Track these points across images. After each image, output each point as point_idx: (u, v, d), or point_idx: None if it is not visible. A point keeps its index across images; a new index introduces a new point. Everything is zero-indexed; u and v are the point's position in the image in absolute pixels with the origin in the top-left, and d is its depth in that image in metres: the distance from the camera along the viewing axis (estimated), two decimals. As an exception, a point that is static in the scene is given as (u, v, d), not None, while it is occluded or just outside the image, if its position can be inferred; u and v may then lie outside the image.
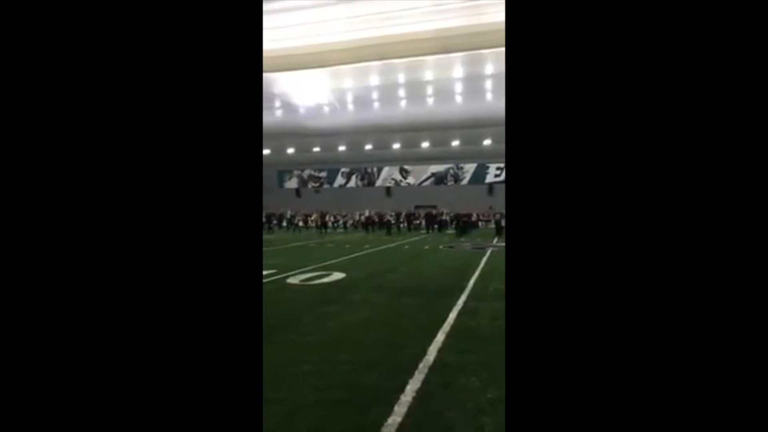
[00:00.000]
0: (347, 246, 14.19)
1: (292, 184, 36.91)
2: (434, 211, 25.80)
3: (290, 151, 30.21)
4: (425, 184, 34.23)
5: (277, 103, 22.60)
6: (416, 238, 17.89)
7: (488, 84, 19.93)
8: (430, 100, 22.46)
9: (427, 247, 13.83)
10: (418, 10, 14.15)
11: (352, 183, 35.81)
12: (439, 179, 33.94)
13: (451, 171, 33.59)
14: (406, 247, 13.97)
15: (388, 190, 34.64)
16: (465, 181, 33.44)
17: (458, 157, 31.25)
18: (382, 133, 25.29)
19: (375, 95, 22.09)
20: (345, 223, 28.25)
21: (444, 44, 14.93)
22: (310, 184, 36.51)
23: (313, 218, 26.91)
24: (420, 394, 2.60)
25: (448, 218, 24.26)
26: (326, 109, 23.30)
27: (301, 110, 23.38)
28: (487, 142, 26.71)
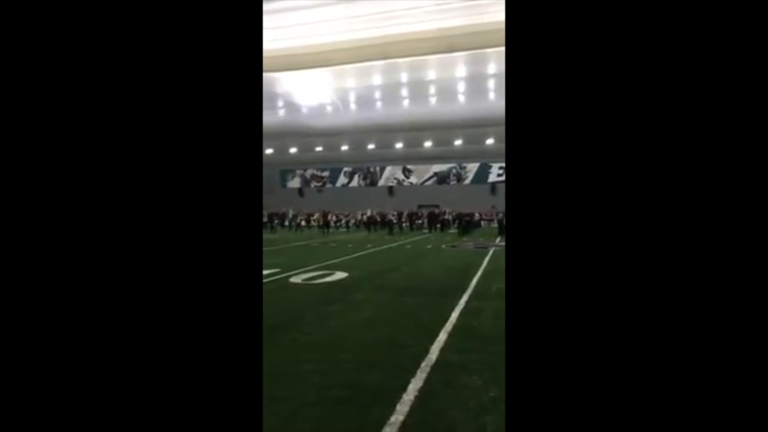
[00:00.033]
0: (350, 245, 14.20)
1: (294, 183, 36.97)
2: (437, 211, 25.79)
3: (293, 150, 30.27)
4: (428, 183, 34.23)
5: (280, 103, 22.65)
6: (418, 238, 17.88)
7: (491, 83, 19.91)
8: (433, 100, 22.46)
9: (429, 246, 13.83)
10: (420, 10, 14.15)
11: (355, 182, 35.84)
12: (442, 179, 33.94)
13: (454, 170, 33.58)
14: (409, 246, 13.96)
15: (390, 190, 34.64)
16: (468, 181, 33.43)
17: (461, 157, 31.24)
18: (385, 132, 25.32)
19: (378, 95, 22.11)
20: (347, 222, 28.28)
21: (446, 43, 14.92)
22: (313, 184, 36.56)
23: (315, 218, 26.95)
24: (422, 393, 2.60)
25: (450, 218, 24.25)
26: (329, 108, 23.34)
27: (304, 110, 23.43)
28: (489, 141, 26.68)
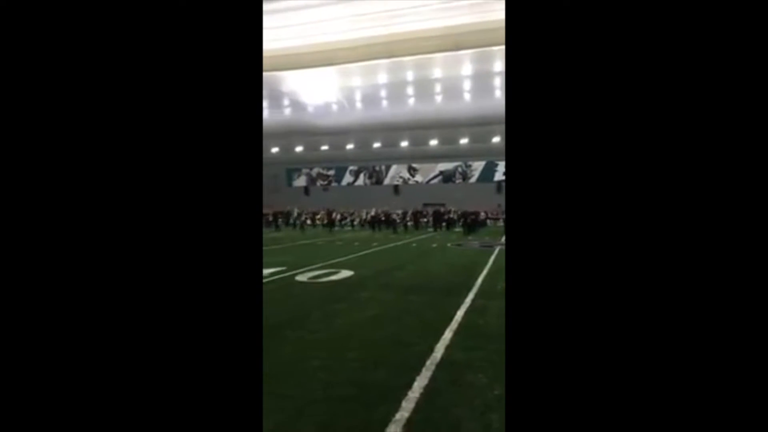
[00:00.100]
0: (355, 244, 14.21)
1: (300, 182, 37.01)
2: (442, 209, 25.75)
3: (299, 149, 30.30)
4: (433, 182, 34.13)
5: (286, 102, 22.69)
6: (424, 236, 17.87)
7: (497, 81, 19.82)
8: (439, 98, 22.40)
9: (434, 245, 13.82)
10: (426, 8, 14.11)
11: (360, 181, 35.83)
12: (448, 177, 33.83)
13: (460, 169, 33.45)
14: (414, 245, 13.96)
15: (396, 189, 34.59)
16: (473, 179, 33.28)
17: (467, 155, 31.13)
18: (391, 131, 25.29)
19: (383, 93, 22.09)
20: (352, 221, 28.30)
21: (452, 41, 14.87)
22: (319, 183, 36.57)
23: (319, 216, 26.98)
24: (427, 390, 2.61)
25: (455, 216, 24.21)
26: (334, 107, 23.34)
27: (310, 109, 23.46)
28: (495, 139, 26.57)
